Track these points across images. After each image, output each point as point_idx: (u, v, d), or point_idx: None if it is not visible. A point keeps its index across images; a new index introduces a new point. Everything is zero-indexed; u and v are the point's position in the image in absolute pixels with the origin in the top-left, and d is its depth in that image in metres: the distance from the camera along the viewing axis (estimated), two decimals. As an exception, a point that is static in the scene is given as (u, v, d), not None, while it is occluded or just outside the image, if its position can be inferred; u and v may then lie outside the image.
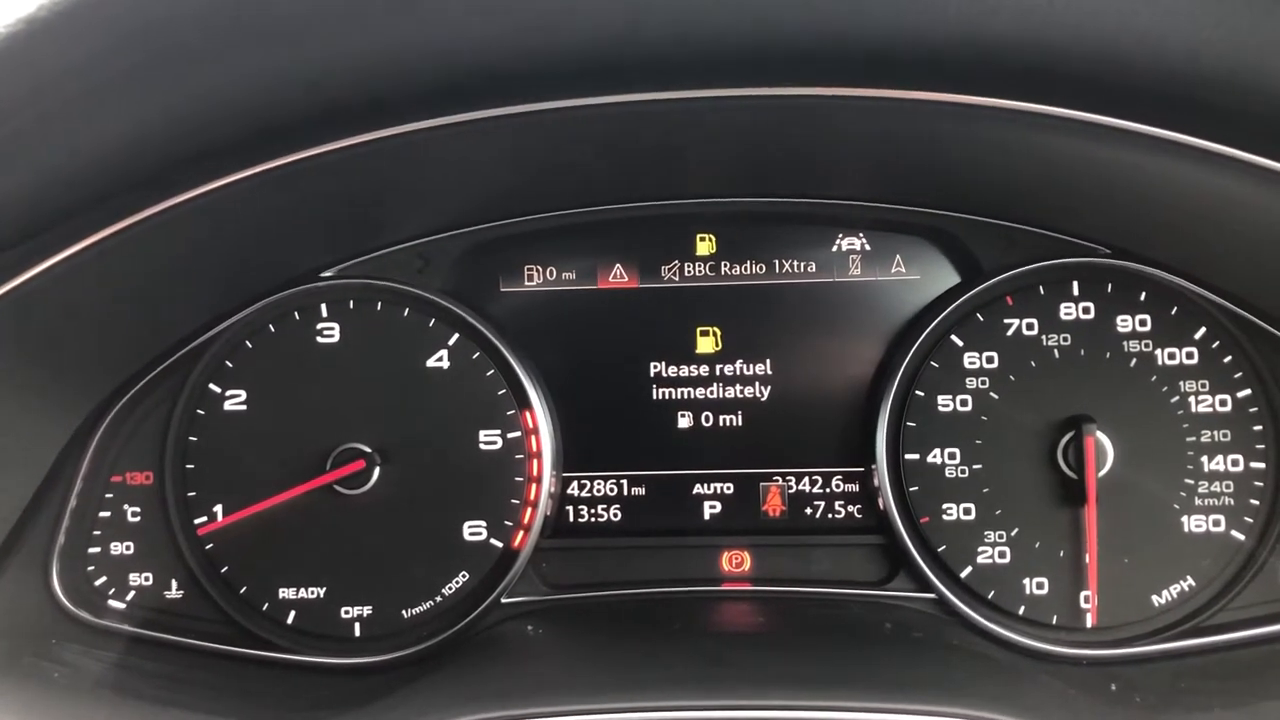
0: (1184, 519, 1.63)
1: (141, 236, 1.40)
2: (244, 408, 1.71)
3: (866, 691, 1.25)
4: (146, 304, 1.58)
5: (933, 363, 1.68)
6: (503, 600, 1.69)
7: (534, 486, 1.70)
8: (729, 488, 1.75)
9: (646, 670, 1.42)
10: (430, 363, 1.71)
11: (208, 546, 1.70)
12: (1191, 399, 1.64)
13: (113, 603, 1.71)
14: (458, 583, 1.70)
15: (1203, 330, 1.64)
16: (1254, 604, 1.62)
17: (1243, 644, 1.59)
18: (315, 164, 1.38)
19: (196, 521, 1.70)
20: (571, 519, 1.76)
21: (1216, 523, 1.63)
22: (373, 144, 1.37)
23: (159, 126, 1.20)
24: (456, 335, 1.71)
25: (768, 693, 1.28)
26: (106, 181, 1.30)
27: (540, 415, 1.70)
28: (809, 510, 1.74)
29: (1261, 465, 1.63)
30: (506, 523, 1.70)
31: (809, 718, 1.23)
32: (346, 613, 1.70)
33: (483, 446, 1.70)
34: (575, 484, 1.76)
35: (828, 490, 1.74)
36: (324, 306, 1.71)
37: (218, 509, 1.69)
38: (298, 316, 1.71)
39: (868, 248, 1.74)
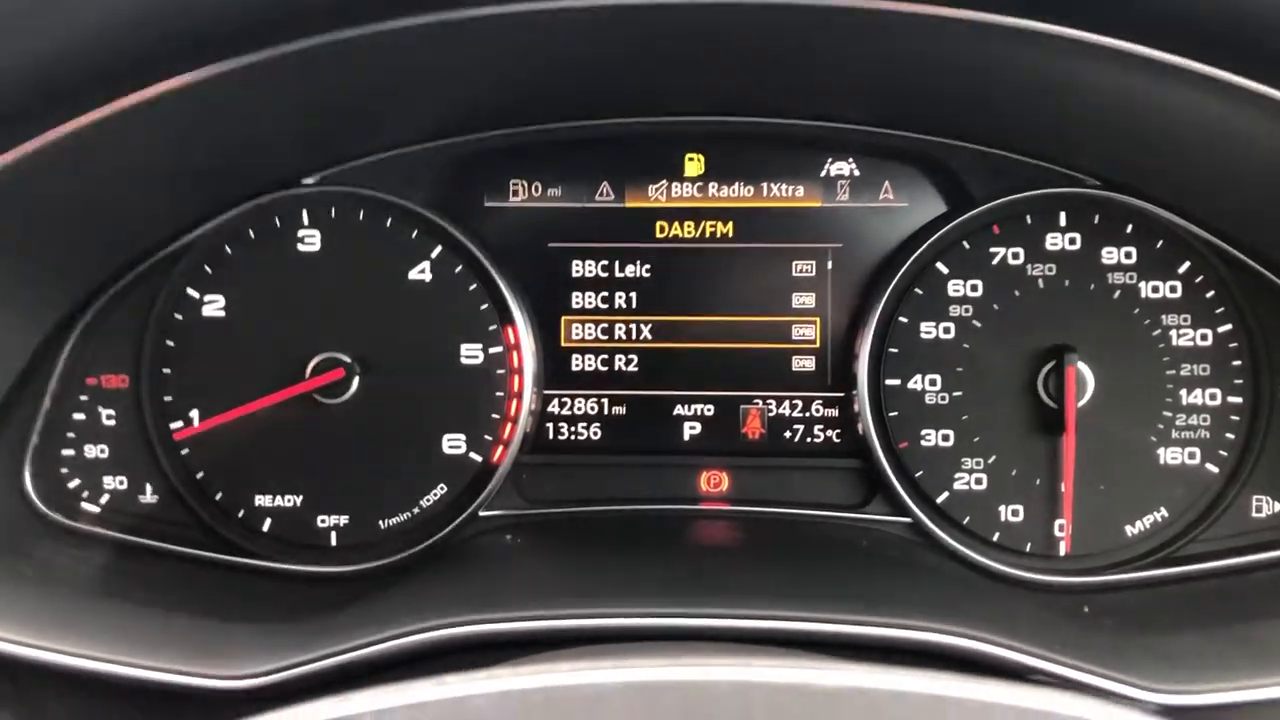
0: (1160, 451, 1.65)
1: (116, 130, 1.36)
2: (222, 313, 1.69)
3: (846, 606, 1.26)
4: (122, 203, 1.55)
5: (917, 290, 1.68)
6: (480, 514, 1.69)
7: (514, 402, 1.70)
8: (709, 409, 1.75)
9: (626, 580, 1.43)
10: (412, 275, 1.69)
11: (183, 452, 1.69)
12: (1173, 333, 1.65)
13: (86, 506, 1.70)
14: (435, 495, 1.69)
15: (1187, 265, 1.64)
16: (1225, 536, 1.64)
17: (1212, 574, 1.61)
18: (290, 60, 1.35)
19: (172, 426, 1.69)
20: (551, 436, 1.76)
21: (1192, 455, 1.65)
22: (348, 42, 1.33)
23: (129, 15, 1.17)
24: (439, 248, 1.69)
25: (749, 604, 1.28)
26: (77, 71, 1.27)
27: (523, 331, 1.69)
28: (788, 433, 1.75)
29: (1238, 400, 1.64)
30: (486, 437, 1.70)
31: (790, 629, 1.24)
32: (323, 522, 1.70)
33: (464, 360, 1.69)
34: (556, 401, 1.76)
35: (807, 414, 1.75)
36: (305, 214, 1.68)
37: (194, 414, 1.68)
38: (278, 223, 1.69)
39: (857, 173, 1.73)
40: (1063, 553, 1.66)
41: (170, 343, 1.69)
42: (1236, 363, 1.64)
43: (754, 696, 0.68)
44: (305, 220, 1.69)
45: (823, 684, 0.70)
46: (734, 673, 0.70)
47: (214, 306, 1.69)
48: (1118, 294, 1.65)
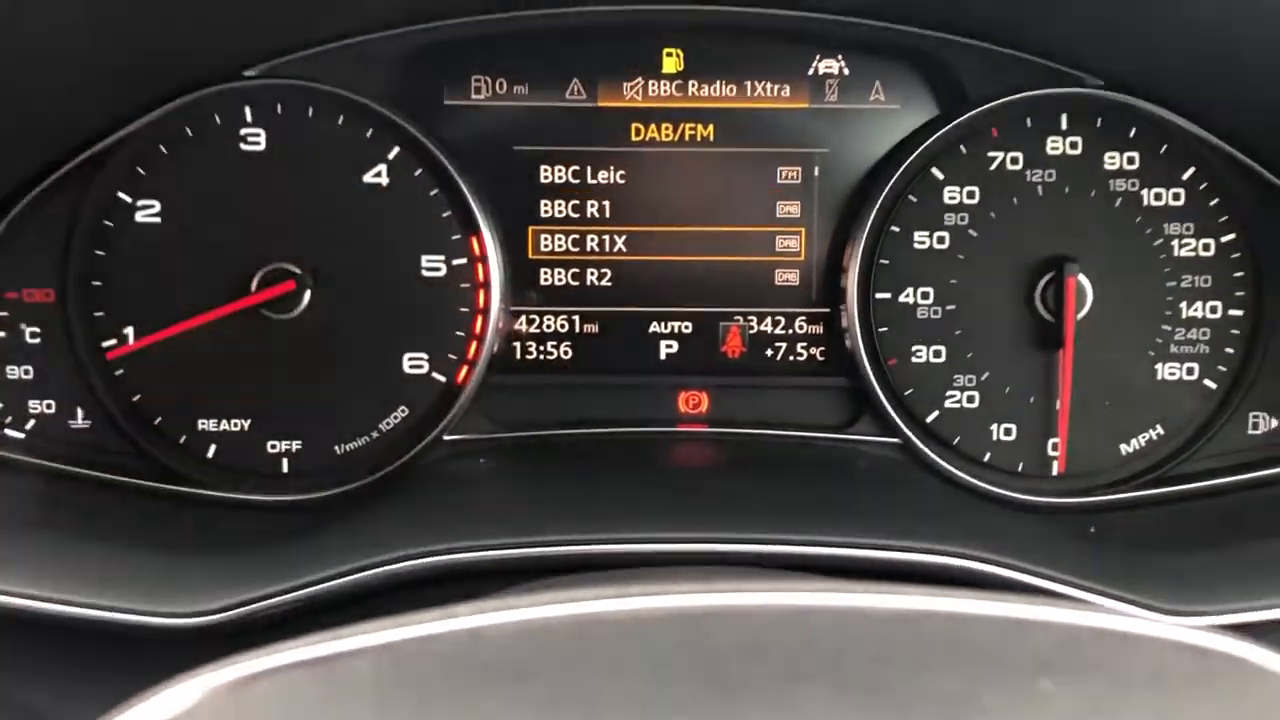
0: (1157, 367, 1.59)
1: (26, 7, 1.21)
2: (158, 220, 1.54)
3: (852, 529, 1.19)
4: (40, 95, 1.38)
5: (910, 197, 1.59)
6: (445, 437, 1.58)
7: (480, 319, 1.58)
8: (687, 327, 1.65)
9: (605, 504, 1.34)
10: (367, 178, 1.55)
11: (117, 373, 1.55)
12: (1175, 242, 1.58)
13: (9, 432, 1.56)
14: (396, 418, 1.58)
15: (1191, 170, 1.57)
16: (1221, 454, 1.59)
17: (1211, 492, 1.56)
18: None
19: (104, 345, 1.54)
20: (519, 355, 1.65)
21: (1190, 371, 1.59)
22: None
23: None
24: (397, 149, 1.55)
25: (742, 527, 1.20)
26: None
27: (489, 242, 1.57)
28: (770, 351, 1.66)
29: (1239, 313, 1.58)
30: (450, 356, 1.58)
31: (787, 552, 1.16)
32: (273, 447, 1.57)
33: (425, 273, 1.57)
34: (524, 319, 1.64)
35: (790, 331, 1.65)
36: (248, 110, 1.53)
37: (128, 331, 1.54)
38: (218, 120, 1.53)
39: (846, 72, 1.62)
40: (1055, 472, 1.60)
41: (100, 253, 1.54)
42: (1238, 274, 1.58)
43: (816, 621, 0.58)
44: (248, 117, 1.53)
45: (888, 607, 0.61)
46: (788, 598, 0.60)
47: (148, 212, 1.54)
48: (1119, 201, 1.57)
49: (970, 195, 1.58)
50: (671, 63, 1.62)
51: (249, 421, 1.57)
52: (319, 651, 0.61)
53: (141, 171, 1.53)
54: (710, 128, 1.62)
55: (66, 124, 1.48)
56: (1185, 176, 1.57)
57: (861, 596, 0.62)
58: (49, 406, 1.57)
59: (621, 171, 1.63)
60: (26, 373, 1.56)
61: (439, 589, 1.24)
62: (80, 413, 1.57)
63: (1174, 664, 0.62)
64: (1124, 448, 1.60)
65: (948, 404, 1.60)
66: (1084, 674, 0.60)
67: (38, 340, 1.56)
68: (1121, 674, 0.60)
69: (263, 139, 1.54)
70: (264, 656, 0.63)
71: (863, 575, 1.11)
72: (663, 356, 1.65)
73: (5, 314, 1.55)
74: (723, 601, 0.59)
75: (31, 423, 1.57)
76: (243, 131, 1.54)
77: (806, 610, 0.60)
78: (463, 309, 1.58)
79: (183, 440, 1.57)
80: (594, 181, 1.63)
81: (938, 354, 1.60)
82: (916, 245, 1.59)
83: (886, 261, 1.59)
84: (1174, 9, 1.34)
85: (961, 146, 1.58)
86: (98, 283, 1.54)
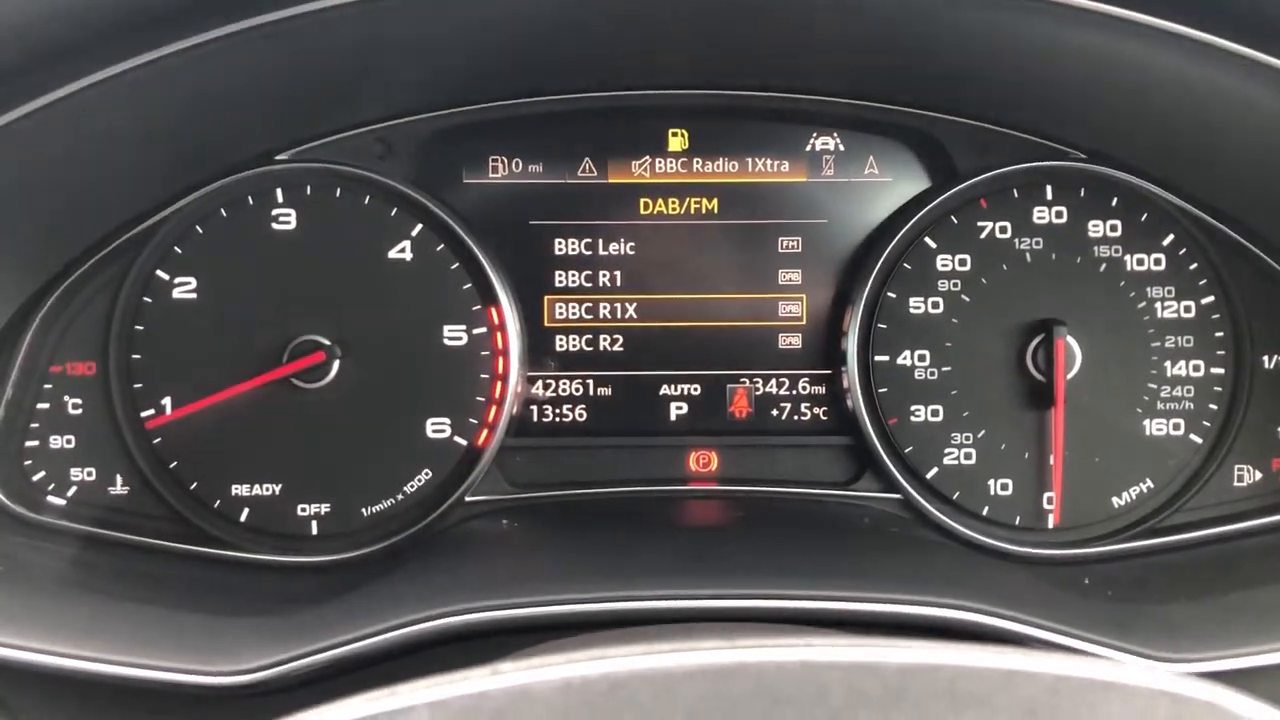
0: (1145, 422, 1.66)
1: (79, 107, 1.30)
2: (194, 296, 1.62)
3: (852, 584, 1.25)
4: (87, 183, 1.48)
5: (905, 264, 1.67)
6: (466, 499, 1.65)
7: (499, 384, 1.66)
8: (696, 389, 1.73)
9: (622, 563, 1.40)
10: (392, 254, 1.64)
11: (155, 441, 1.63)
12: (1158, 305, 1.66)
13: (52, 499, 1.63)
14: (420, 481, 1.65)
15: (1171, 236, 1.65)
16: (1209, 505, 1.66)
17: (1201, 543, 1.63)
18: (261, 32, 1.29)
19: (143, 414, 1.62)
20: (536, 419, 1.72)
21: (1176, 426, 1.66)
22: (320, 11, 1.29)
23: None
24: (419, 226, 1.64)
25: (751, 584, 1.27)
26: (34, 47, 1.20)
27: (507, 311, 1.65)
28: (775, 412, 1.73)
29: (1221, 371, 1.66)
30: (471, 420, 1.66)
31: (799, 608, 1.23)
32: (303, 510, 1.64)
33: (447, 342, 1.65)
34: (541, 384, 1.72)
35: (795, 392, 1.73)
36: (279, 191, 1.63)
37: (166, 401, 1.62)
38: (251, 201, 1.63)
39: (842, 148, 1.71)
40: (1051, 525, 1.66)
41: (139, 327, 1.62)
42: (1219, 334, 1.66)
43: (830, 677, 0.66)
44: (280, 198, 1.63)
45: (894, 661, 0.68)
46: (802, 653, 0.68)
47: (185, 289, 1.62)
48: (1104, 266, 1.65)
49: (962, 262, 1.67)
50: (677, 141, 1.71)
51: (280, 486, 1.64)
52: (373, 709, 0.68)
53: (179, 250, 1.62)
54: (714, 201, 1.71)
55: (110, 208, 1.57)
56: (1165, 242, 1.65)
57: (872, 651, 0.69)
58: (89, 474, 1.64)
59: (631, 243, 1.71)
60: (69, 441, 1.64)
61: (463, 646, 1.30)
62: (119, 479, 1.65)
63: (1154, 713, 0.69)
64: (1116, 500, 1.66)
65: (946, 461, 1.67)
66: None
67: (79, 411, 1.63)
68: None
69: (293, 219, 1.63)
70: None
71: (866, 628, 1.18)
72: (673, 418, 1.73)
73: (49, 386, 1.63)
74: (740, 658, 0.66)
75: (73, 489, 1.64)
76: (274, 212, 1.63)
77: (822, 665, 0.67)
78: (483, 375, 1.65)
79: (217, 505, 1.64)
80: (605, 253, 1.71)
81: (936, 413, 1.67)
82: (912, 310, 1.67)
83: (884, 326, 1.67)
84: (1149, 86, 1.43)
85: (952, 217, 1.67)
86: (137, 356, 1.62)
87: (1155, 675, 0.71)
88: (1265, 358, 1.65)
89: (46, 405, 1.63)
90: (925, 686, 0.68)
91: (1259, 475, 1.67)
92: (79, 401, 1.63)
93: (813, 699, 0.65)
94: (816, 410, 1.73)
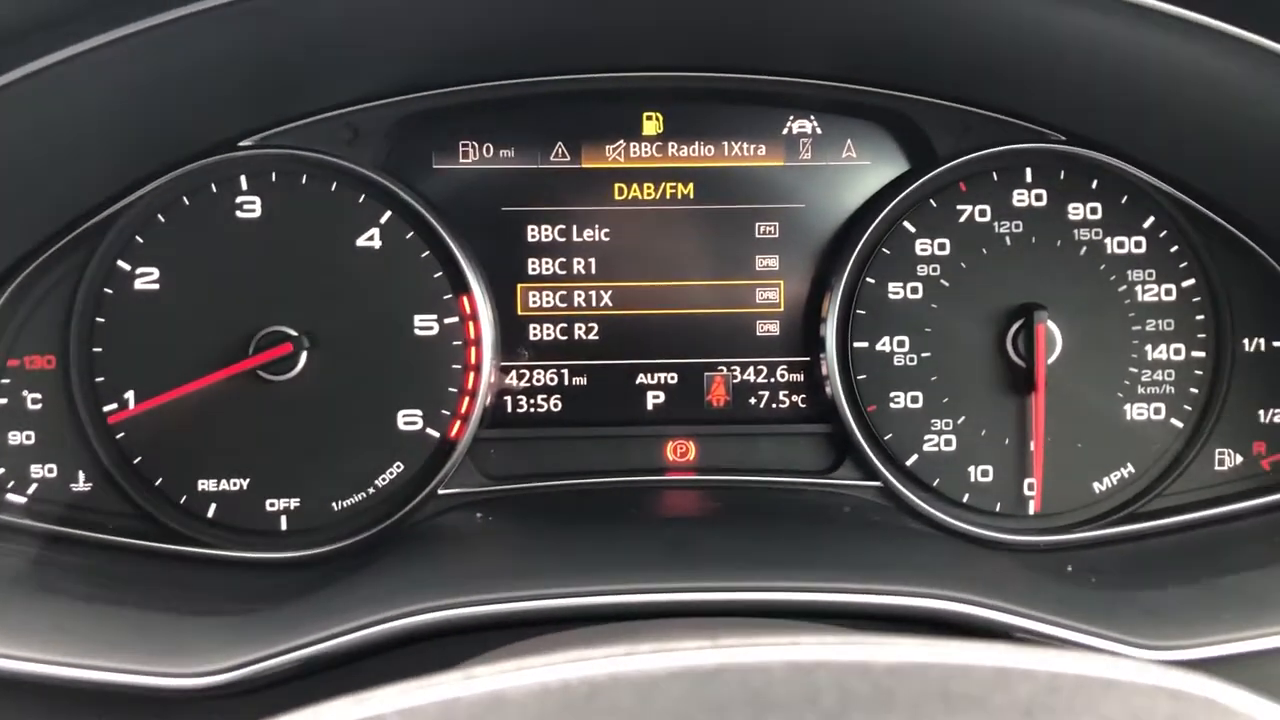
0: (1126, 407, 1.65)
1: (33, 92, 1.25)
2: (156, 287, 1.58)
3: (835, 574, 1.23)
4: (43, 170, 1.43)
5: (884, 249, 1.65)
6: (440, 492, 1.62)
7: (472, 375, 1.62)
8: (673, 378, 1.70)
9: (600, 555, 1.37)
10: (360, 242, 1.60)
11: (119, 436, 1.59)
12: (1138, 288, 1.64)
13: (11, 496, 1.59)
14: (392, 473, 1.62)
15: (1151, 219, 1.64)
16: (1190, 490, 1.65)
17: (1183, 528, 1.62)
18: (224, 12, 1.25)
19: (106, 409, 1.58)
20: (510, 409, 1.69)
21: (1157, 411, 1.65)
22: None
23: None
24: (388, 213, 1.60)
25: (731, 575, 1.24)
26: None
27: (479, 300, 1.62)
28: (753, 400, 1.71)
29: (1201, 354, 1.65)
30: (443, 412, 1.62)
31: (779, 600, 1.20)
32: (272, 505, 1.61)
33: (418, 332, 1.62)
34: (514, 374, 1.69)
35: (773, 380, 1.71)
36: (244, 179, 1.58)
37: (129, 395, 1.57)
38: (215, 189, 1.58)
39: (819, 131, 1.68)
40: (1032, 511, 1.65)
41: (100, 319, 1.58)
42: (1199, 317, 1.65)
43: (819, 676, 0.63)
44: (244, 185, 1.58)
45: (884, 660, 0.65)
46: (789, 653, 0.65)
47: (147, 279, 1.58)
48: (1084, 250, 1.64)
49: (941, 247, 1.65)
50: (652, 125, 1.68)
51: (248, 480, 1.60)
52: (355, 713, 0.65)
53: (140, 240, 1.58)
54: (690, 186, 1.68)
55: (68, 197, 1.52)
56: (1146, 225, 1.64)
57: (862, 650, 0.66)
58: (51, 470, 1.60)
59: (606, 229, 1.68)
60: (28, 438, 1.59)
61: (439, 643, 1.27)
62: (82, 476, 1.60)
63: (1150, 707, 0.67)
64: (1097, 486, 1.65)
65: (926, 448, 1.66)
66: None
67: (39, 406, 1.59)
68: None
69: (258, 206, 1.59)
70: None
71: (847, 618, 1.16)
72: (650, 407, 1.70)
73: (7, 381, 1.58)
74: (726, 658, 0.64)
75: (34, 486, 1.59)
76: (238, 200, 1.59)
77: (809, 665, 0.65)
78: (455, 366, 1.62)
79: (183, 500, 1.60)
80: (579, 239, 1.68)
81: (915, 400, 1.65)
82: (891, 295, 1.65)
83: (863, 311, 1.65)
84: (1129, 66, 1.41)
85: (931, 200, 1.64)
86: (98, 349, 1.58)
87: (1153, 672, 0.69)
88: (1246, 341, 1.64)
89: (5, 400, 1.58)
90: (917, 687, 0.65)
91: (1240, 459, 1.66)
92: (39, 396, 1.59)
93: (802, 701, 0.63)
94: (795, 398, 1.71)
